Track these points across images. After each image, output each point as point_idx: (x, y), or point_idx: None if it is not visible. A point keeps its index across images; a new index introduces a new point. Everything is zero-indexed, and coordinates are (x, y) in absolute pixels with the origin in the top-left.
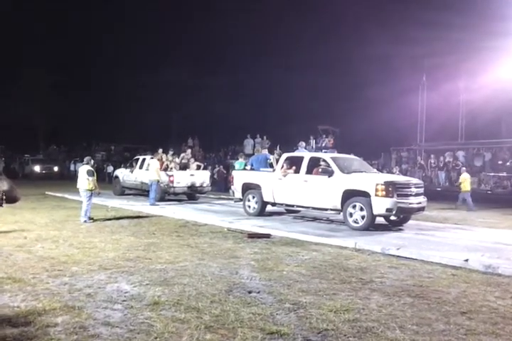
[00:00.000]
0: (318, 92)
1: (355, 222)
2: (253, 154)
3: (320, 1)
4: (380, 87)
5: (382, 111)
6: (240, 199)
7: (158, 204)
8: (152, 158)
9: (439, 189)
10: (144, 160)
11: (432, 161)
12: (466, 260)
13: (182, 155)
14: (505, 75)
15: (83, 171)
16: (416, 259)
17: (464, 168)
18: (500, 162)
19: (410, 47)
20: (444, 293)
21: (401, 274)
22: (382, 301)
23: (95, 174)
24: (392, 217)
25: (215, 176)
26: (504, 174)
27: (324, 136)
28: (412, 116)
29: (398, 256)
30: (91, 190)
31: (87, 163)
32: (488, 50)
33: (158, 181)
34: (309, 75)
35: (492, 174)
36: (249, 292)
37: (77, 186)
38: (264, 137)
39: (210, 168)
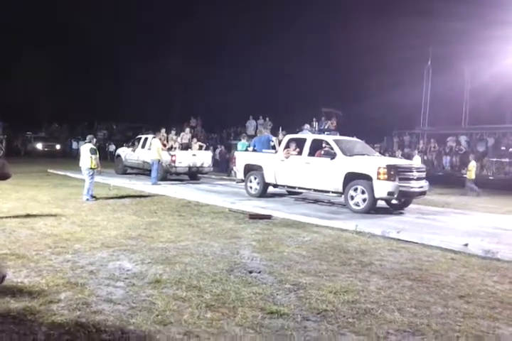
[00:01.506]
0: (322, 75)
1: (357, 204)
2: (255, 135)
3: None
4: (385, 72)
5: (386, 95)
6: (242, 180)
7: (160, 184)
8: (154, 137)
9: (441, 173)
10: (146, 139)
11: (433, 145)
12: (466, 244)
13: (181, 134)
14: (510, 61)
15: (86, 149)
16: (416, 243)
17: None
18: (503, 148)
19: (416, 33)
20: (442, 276)
21: (401, 257)
22: (382, 283)
23: (98, 152)
24: (394, 201)
25: (217, 157)
26: (507, 160)
27: (323, 118)
28: (415, 101)
29: (398, 239)
30: (93, 169)
31: (90, 142)
32: (494, 37)
33: (159, 160)
34: (314, 59)
35: (495, 159)
36: (250, 272)
37: (80, 164)
38: (267, 118)
39: (212, 148)
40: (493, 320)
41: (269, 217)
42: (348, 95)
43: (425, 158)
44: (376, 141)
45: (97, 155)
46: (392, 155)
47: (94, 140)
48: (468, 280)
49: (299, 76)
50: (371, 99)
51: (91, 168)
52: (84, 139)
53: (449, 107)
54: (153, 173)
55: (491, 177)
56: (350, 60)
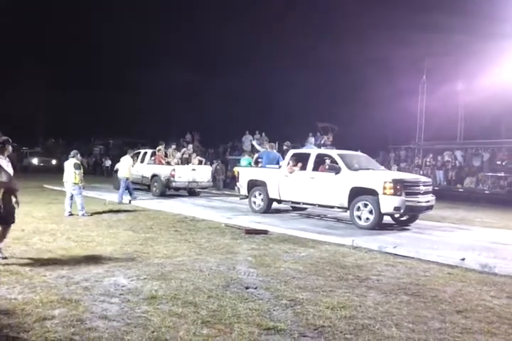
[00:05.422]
0: (318, 90)
1: (362, 219)
2: (252, 151)
3: (321, 2)
4: (380, 86)
5: (382, 110)
6: (246, 196)
7: (124, 203)
8: (126, 154)
9: (436, 188)
10: (145, 153)
11: (428, 160)
12: (463, 259)
13: (183, 150)
14: (505, 76)
15: (70, 164)
16: (413, 258)
17: None
18: (498, 162)
19: (411, 47)
20: (440, 291)
21: (397, 272)
22: (379, 299)
23: (82, 168)
24: (396, 215)
25: (213, 171)
26: (502, 174)
27: (319, 133)
28: (411, 116)
29: (395, 254)
30: (77, 184)
31: (74, 157)
32: (488, 51)
33: (127, 179)
34: (309, 74)
35: (490, 174)
36: (247, 287)
37: (64, 179)
38: (263, 133)
39: (208, 163)
40: (491, 335)
41: (265, 232)
42: (343, 109)
43: (421, 172)
44: (372, 155)
45: (81, 171)
46: (388, 169)
47: (78, 155)
48: (465, 295)
49: (294, 91)
50: (367, 114)
51: (75, 183)
52: (82, 154)
53: (445, 122)
54: (120, 190)
55: (486, 192)
56: (345, 74)
